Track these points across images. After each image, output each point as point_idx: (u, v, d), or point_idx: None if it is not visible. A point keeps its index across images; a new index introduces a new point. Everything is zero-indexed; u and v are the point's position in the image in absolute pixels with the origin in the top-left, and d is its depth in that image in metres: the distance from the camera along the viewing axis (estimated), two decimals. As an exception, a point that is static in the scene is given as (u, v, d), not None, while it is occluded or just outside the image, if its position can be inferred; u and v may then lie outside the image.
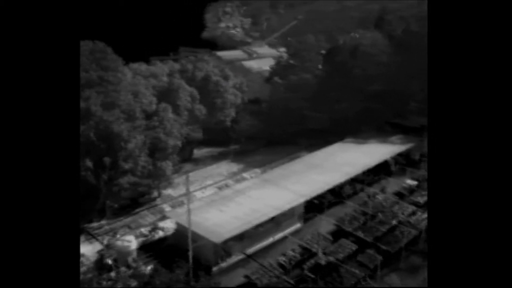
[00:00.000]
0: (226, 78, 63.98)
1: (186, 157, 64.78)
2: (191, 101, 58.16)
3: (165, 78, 57.65)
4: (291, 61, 71.65)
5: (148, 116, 51.70)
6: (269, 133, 69.42)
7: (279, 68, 72.96)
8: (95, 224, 49.40)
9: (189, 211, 39.01)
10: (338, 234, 44.83)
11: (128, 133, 46.44)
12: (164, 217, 49.20)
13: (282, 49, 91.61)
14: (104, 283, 34.20)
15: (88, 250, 44.82)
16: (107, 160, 45.25)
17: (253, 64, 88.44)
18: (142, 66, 58.35)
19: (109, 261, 40.59)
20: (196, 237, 40.38)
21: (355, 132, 64.39)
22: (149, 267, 39.07)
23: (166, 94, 55.77)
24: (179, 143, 53.57)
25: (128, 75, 51.90)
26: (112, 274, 37.07)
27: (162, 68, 59.67)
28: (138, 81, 52.09)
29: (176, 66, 62.72)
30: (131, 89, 49.50)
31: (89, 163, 44.16)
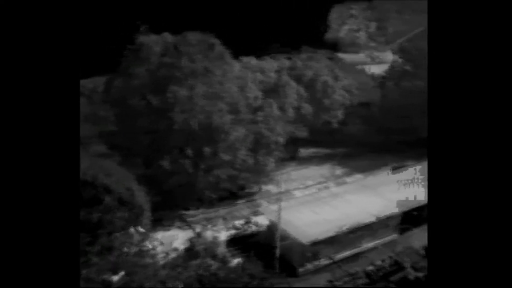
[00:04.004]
0: (336, 78, 62.55)
1: (290, 155, 64.30)
2: (298, 99, 57.53)
3: (273, 74, 57.36)
4: (406, 67, 68.87)
5: (254, 110, 51.73)
6: (378, 139, 67.29)
7: (393, 73, 70.42)
8: (191, 212, 50.38)
9: (279, 209, 38.64)
10: (432, 249, 42.27)
11: (230, 125, 46.67)
12: (257, 213, 49.08)
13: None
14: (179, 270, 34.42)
15: (180, 236, 45.86)
16: (207, 150, 45.73)
17: (370, 68, 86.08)
18: (252, 61, 58.41)
19: (199, 249, 41.08)
20: (285, 236, 39.94)
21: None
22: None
23: (273, 90, 55.55)
24: (282, 140, 53.01)
25: (236, 68, 52.09)
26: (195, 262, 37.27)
27: (271, 64, 59.42)
28: (245, 75, 52.13)
29: (287, 63, 62.26)
30: (238, 82, 49.68)
31: (189, 152, 44.93)
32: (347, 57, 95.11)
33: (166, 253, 31.18)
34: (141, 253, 29.59)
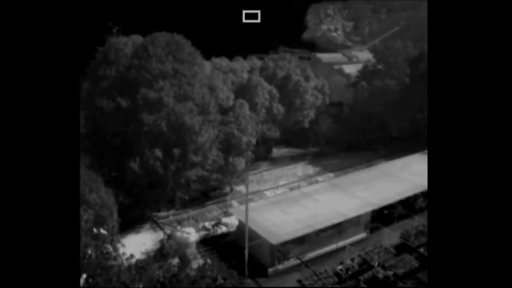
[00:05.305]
0: (307, 78, 62.91)
1: (263, 155, 64.58)
2: (269, 99, 57.72)
3: (244, 75, 57.51)
4: (378, 66, 69.28)
5: (224, 111, 51.73)
6: (350, 138, 67.83)
7: (365, 73, 70.90)
8: (163, 214, 50.32)
9: (247, 209, 38.53)
10: (402, 248, 42.67)
11: (200, 126, 46.46)
12: (228, 213, 49.10)
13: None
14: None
15: (152, 238, 45.82)
16: (176, 151, 45.51)
17: (344, 67, 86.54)
18: (223, 62, 58.53)
19: (168, 251, 40.90)
20: (255, 236, 39.87)
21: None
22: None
23: (244, 91, 55.66)
24: (253, 140, 53.13)
25: (207, 69, 52.02)
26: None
27: (242, 65, 59.59)
28: (216, 76, 52.05)
29: (258, 63, 62.49)
30: (208, 83, 49.54)
31: (158, 153, 44.67)
32: (324, 56, 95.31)
33: (132, 255, 30.91)
34: (106, 255, 29.39)
